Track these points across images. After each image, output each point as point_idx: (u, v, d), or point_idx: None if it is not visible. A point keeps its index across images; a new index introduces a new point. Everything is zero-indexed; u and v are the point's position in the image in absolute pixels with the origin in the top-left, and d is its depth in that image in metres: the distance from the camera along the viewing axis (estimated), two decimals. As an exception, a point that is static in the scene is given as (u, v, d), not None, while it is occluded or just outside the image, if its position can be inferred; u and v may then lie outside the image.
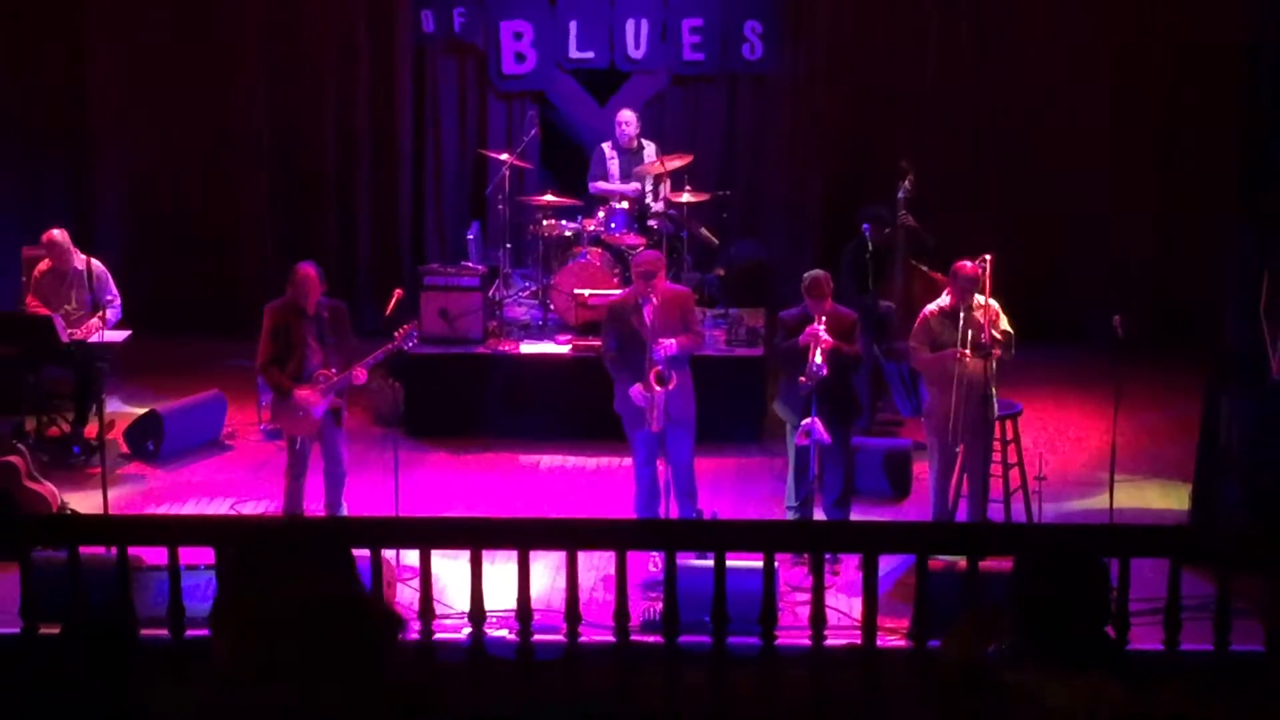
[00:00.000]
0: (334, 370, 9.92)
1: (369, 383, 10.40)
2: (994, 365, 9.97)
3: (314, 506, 10.16)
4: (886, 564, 9.20)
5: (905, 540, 7.61)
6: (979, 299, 9.92)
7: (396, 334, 10.24)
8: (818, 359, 9.67)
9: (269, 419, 11.64)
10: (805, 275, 10.10)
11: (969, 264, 9.94)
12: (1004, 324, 9.95)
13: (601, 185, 13.67)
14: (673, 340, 9.93)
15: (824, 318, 9.81)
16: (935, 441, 10.09)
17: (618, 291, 11.64)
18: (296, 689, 3.17)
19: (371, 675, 3.29)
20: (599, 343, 10.73)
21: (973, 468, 10.01)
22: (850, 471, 10.39)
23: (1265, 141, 9.56)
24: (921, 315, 10.14)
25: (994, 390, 10.01)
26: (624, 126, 13.61)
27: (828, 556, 9.09)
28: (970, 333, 9.82)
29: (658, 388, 9.85)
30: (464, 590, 6.93)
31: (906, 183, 12.21)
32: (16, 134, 14.94)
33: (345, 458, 10.18)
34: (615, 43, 14.69)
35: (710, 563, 6.84)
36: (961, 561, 7.26)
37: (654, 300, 9.93)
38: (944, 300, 10.05)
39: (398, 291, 10.84)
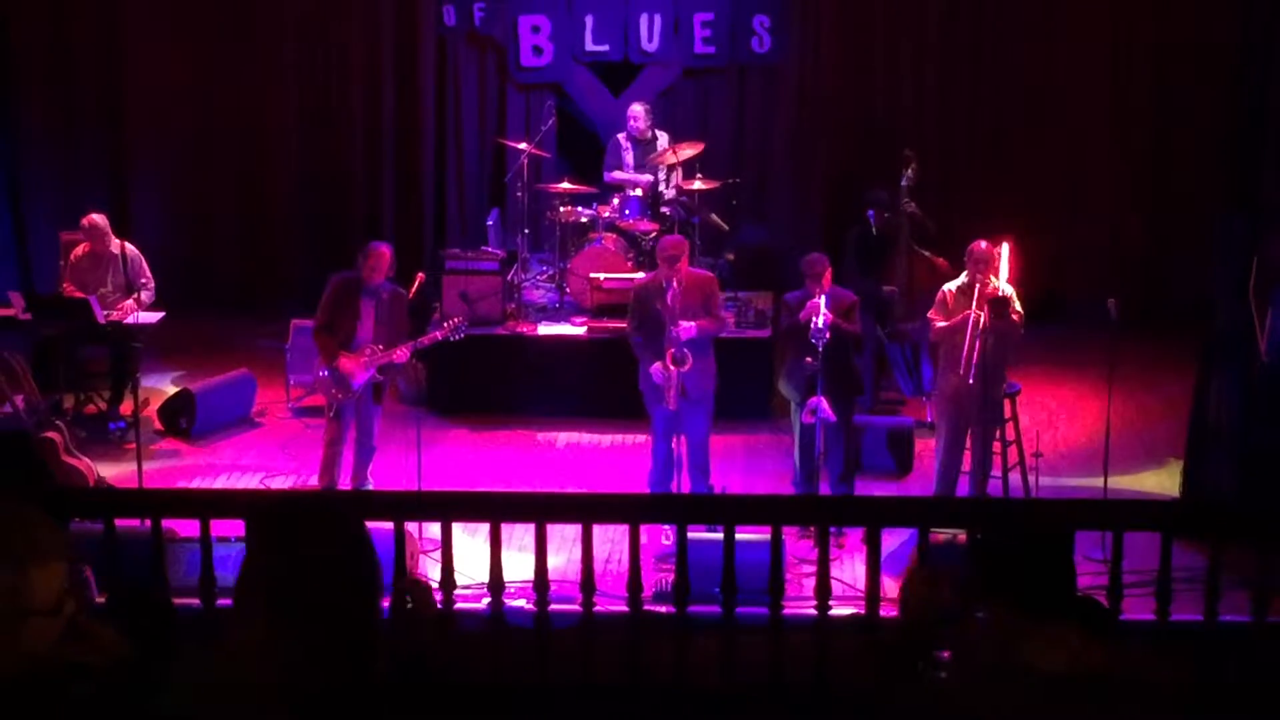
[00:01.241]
0: (380, 346, 10.27)
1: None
2: (1005, 346, 10.14)
3: (342, 479, 10.36)
4: (895, 541, 9.45)
5: (908, 514, 7.72)
6: (993, 281, 10.02)
7: (446, 324, 10.52)
8: (819, 324, 9.83)
9: (310, 379, 11.54)
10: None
11: (983, 243, 10.07)
12: (1016, 305, 10.07)
13: (617, 175, 13.75)
14: (692, 324, 10.00)
15: (823, 295, 9.98)
16: (944, 423, 10.20)
17: (632, 276, 11.85)
18: (304, 655, 3.21)
19: (374, 644, 3.30)
20: (614, 324, 10.93)
21: (975, 444, 10.15)
22: (854, 448, 10.53)
23: (1255, 134, 9.80)
24: (940, 292, 10.24)
25: (1004, 372, 10.14)
26: (634, 121, 13.73)
27: (833, 530, 9.18)
28: (984, 296, 9.93)
29: (673, 368, 9.98)
30: (484, 561, 7.04)
31: (910, 171, 12.33)
32: (53, 123, 15.13)
33: (376, 433, 10.45)
34: (629, 36, 14.81)
35: (720, 535, 6.99)
36: (962, 534, 7.53)
37: (676, 284, 10.03)
38: (962, 279, 10.16)
39: (420, 275, 11.09)
